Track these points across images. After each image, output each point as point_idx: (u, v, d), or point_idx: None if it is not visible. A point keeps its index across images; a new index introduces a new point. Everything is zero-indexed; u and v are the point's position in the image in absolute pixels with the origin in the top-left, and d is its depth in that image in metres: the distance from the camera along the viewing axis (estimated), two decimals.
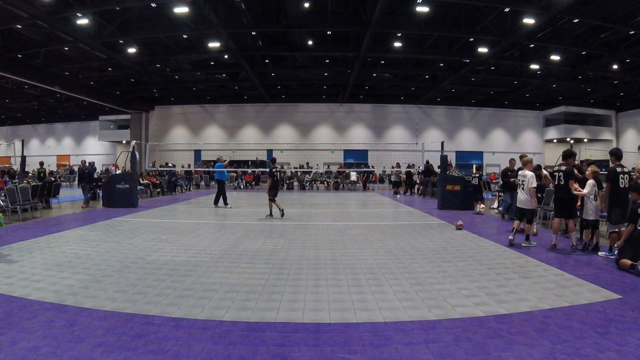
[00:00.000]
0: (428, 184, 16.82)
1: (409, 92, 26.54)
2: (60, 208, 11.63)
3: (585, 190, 6.01)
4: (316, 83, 25.09)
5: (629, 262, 4.85)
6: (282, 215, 9.72)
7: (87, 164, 13.63)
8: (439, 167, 17.95)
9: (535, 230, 7.21)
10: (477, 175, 11.87)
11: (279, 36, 17.84)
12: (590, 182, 6.06)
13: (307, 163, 23.39)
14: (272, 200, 9.78)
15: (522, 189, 6.59)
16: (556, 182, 6.34)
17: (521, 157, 7.18)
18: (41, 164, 17.00)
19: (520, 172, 6.85)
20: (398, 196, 17.10)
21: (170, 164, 22.21)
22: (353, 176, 22.39)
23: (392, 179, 18.98)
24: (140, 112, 27.89)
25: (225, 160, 13.16)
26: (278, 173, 10.50)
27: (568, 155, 6.40)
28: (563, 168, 6.24)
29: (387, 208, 12.88)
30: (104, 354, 2.64)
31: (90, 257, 5.42)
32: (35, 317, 3.27)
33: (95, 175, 15.52)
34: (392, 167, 19.15)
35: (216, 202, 12.09)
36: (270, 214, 9.84)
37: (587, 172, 6.39)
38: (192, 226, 8.41)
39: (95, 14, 14.12)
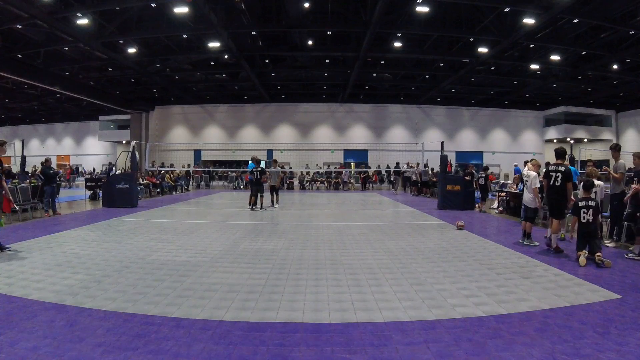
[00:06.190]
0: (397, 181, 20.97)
1: (409, 92, 26.51)
2: (60, 208, 11.62)
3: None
4: (316, 83, 25.06)
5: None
6: (252, 209, 11.33)
7: (48, 163, 11.04)
8: (428, 168, 18.17)
9: (562, 235, 7.00)
10: (484, 175, 11.96)
11: (279, 36, 17.81)
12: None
13: (286, 166, 23.78)
14: (252, 195, 11.47)
15: (527, 188, 6.79)
16: (551, 183, 6.08)
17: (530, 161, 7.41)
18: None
19: (524, 173, 7.02)
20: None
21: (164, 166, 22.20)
22: (345, 176, 22.39)
23: (421, 179, 18.31)
24: (140, 112, 27.86)
25: (258, 160, 11.79)
26: (256, 173, 11.47)
27: (563, 154, 6.22)
28: (561, 169, 5.99)
29: (387, 208, 12.87)
30: (104, 354, 2.64)
31: (90, 257, 5.41)
32: (35, 317, 3.26)
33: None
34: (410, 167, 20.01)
35: (261, 204, 11.61)
36: (252, 206, 11.44)
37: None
38: (192, 226, 8.41)
39: (95, 14, 14.11)
